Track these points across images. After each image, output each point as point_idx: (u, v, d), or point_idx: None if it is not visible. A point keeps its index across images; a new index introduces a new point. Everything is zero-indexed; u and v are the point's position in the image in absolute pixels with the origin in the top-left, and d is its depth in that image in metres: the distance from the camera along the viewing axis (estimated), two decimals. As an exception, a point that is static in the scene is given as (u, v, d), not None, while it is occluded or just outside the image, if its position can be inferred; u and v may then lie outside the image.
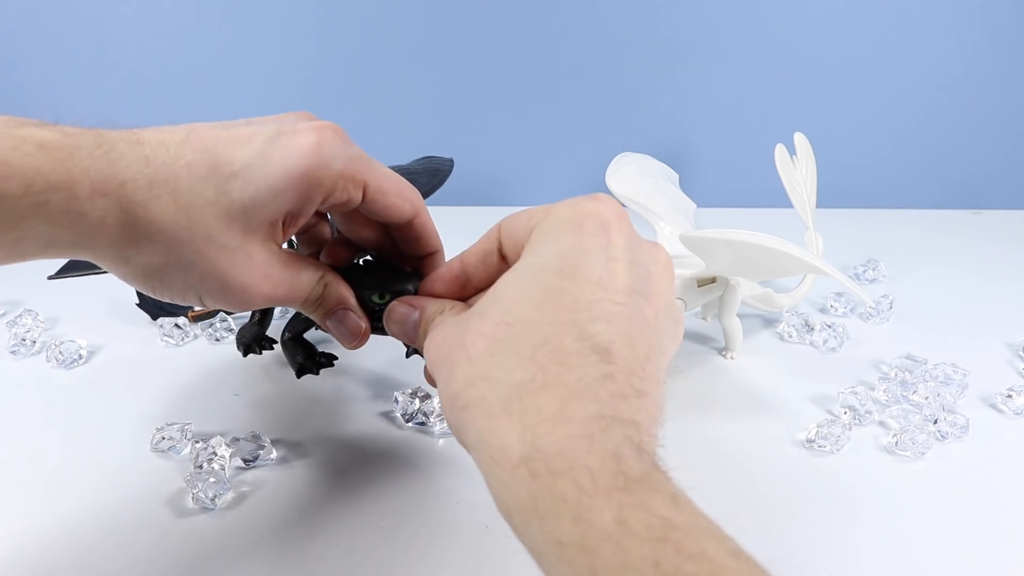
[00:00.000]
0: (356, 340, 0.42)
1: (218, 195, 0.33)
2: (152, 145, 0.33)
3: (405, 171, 0.65)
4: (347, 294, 0.42)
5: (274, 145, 0.34)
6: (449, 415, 0.31)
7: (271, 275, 0.37)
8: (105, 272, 0.39)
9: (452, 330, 0.33)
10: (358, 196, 0.38)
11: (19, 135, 0.30)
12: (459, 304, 0.37)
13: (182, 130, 0.34)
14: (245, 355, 0.58)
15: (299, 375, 0.54)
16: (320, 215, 0.43)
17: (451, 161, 0.66)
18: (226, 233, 0.34)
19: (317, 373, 0.54)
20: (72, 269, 0.56)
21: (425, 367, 0.37)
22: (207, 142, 0.33)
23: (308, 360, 0.54)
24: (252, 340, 0.58)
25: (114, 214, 0.32)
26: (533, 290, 0.30)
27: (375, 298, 0.42)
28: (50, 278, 0.56)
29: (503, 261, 0.36)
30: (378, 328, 0.43)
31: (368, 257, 0.47)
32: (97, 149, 0.32)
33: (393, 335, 0.39)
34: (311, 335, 0.56)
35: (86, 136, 0.32)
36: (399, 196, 0.39)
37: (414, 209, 0.41)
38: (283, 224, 0.37)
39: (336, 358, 0.56)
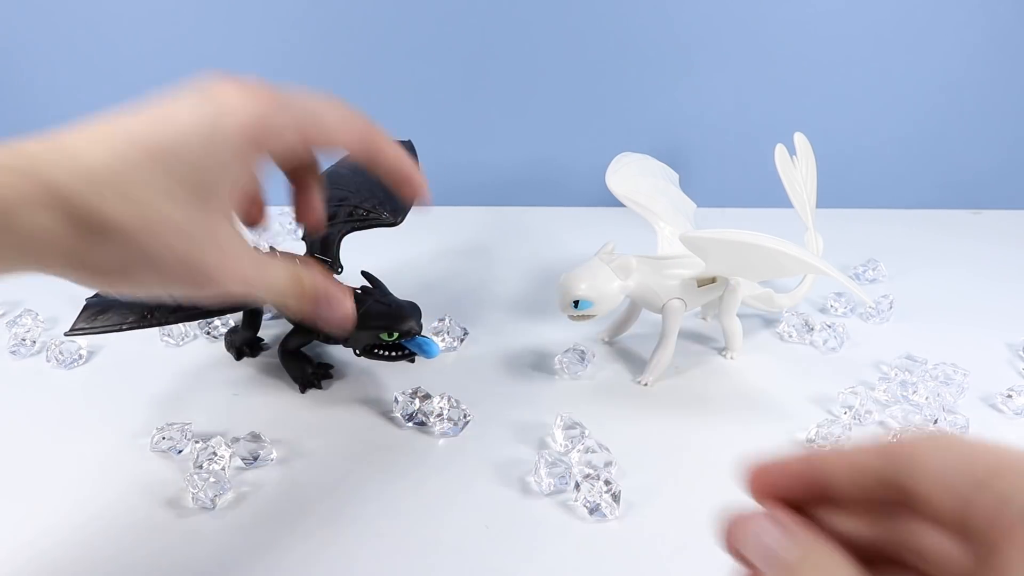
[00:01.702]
0: (345, 321, 0.39)
1: (162, 177, 0.32)
2: (80, 147, 0.31)
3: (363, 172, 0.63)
4: (324, 276, 0.39)
5: (206, 117, 0.33)
6: None
7: (238, 255, 0.35)
8: (129, 328, 0.42)
9: None
10: (301, 146, 0.36)
11: None
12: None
13: (106, 124, 0.32)
14: (238, 358, 0.58)
15: (303, 390, 0.54)
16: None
17: (410, 144, 0.64)
18: (181, 212, 0.32)
19: (320, 387, 0.54)
20: (91, 320, 0.50)
21: None
22: (136, 129, 0.32)
23: (312, 374, 0.54)
24: (243, 343, 0.58)
25: (61, 224, 0.30)
26: None
27: (384, 336, 0.49)
28: (66, 334, 0.51)
29: (885, 489, 0.23)
30: (384, 357, 0.50)
31: (365, 283, 0.50)
32: (26, 164, 0.30)
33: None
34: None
35: (4, 154, 0.30)
36: (345, 132, 0.37)
37: (363, 138, 0.38)
38: (232, 194, 0.35)
39: (332, 367, 0.56)
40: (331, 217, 0.58)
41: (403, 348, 0.50)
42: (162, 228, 0.32)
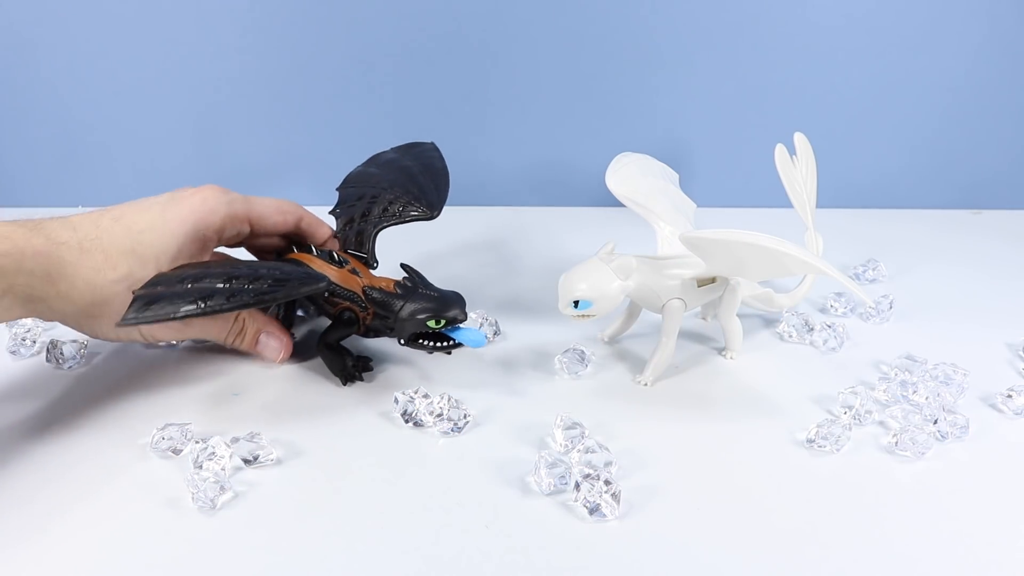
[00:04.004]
0: (281, 357, 0.55)
1: (134, 245, 0.48)
2: (79, 221, 0.48)
3: (398, 165, 0.63)
4: (263, 321, 0.55)
5: (168, 207, 0.50)
6: None
7: None
8: (182, 318, 0.46)
9: None
10: (246, 229, 0.54)
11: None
12: None
13: (98, 210, 0.49)
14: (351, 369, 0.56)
15: (345, 383, 0.54)
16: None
17: (433, 146, 0.66)
18: (143, 272, 0.48)
19: (362, 378, 0.55)
20: (142, 311, 0.46)
21: None
22: (118, 212, 0.49)
23: (352, 367, 0.54)
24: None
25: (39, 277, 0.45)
26: None
27: (431, 324, 0.50)
28: (118, 326, 0.48)
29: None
30: (429, 347, 0.51)
31: (406, 275, 0.53)
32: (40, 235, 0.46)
33: None
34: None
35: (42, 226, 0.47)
36: (279, 214, 0.55)
37: (296, 218, 0.56)
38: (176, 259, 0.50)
39: (372, 359, 0.57)
40: (364, 214, 0.59)
41: (448, 337, 0.51)
42: (129, 283, 0.48)
